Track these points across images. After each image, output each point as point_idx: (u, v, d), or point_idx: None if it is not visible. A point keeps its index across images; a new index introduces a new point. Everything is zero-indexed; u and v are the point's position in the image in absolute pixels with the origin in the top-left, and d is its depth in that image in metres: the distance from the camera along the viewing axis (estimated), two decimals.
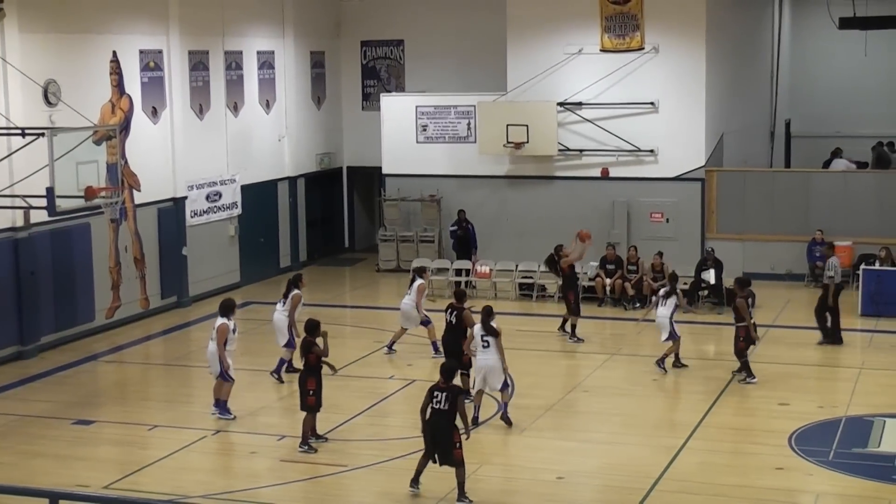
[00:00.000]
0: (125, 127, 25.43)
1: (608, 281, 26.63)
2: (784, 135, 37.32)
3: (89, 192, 20.47)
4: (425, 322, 22.19)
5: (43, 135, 20.20)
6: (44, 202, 19.94)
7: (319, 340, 17.36)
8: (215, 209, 28.38)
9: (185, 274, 27.27)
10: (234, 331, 18.81)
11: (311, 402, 17.11)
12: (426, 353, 22.02)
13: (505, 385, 18.20)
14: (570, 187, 29.65)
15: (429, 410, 15.30)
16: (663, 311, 21.07)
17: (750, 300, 20.70)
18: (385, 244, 31.31)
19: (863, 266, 26.14)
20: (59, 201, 19.89)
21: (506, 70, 29.75)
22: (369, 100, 33.71)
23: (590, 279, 26.83)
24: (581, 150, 29.42)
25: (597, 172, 29.42)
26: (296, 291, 20.90)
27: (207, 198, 28.06)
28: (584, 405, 19.74)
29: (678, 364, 21.27)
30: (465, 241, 29.38)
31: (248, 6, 30.01)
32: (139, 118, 25.99)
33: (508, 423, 18.18)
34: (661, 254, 26.67)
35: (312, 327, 17.64)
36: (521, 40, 29.59)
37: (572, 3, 29.18)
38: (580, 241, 24.16)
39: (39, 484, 15.35)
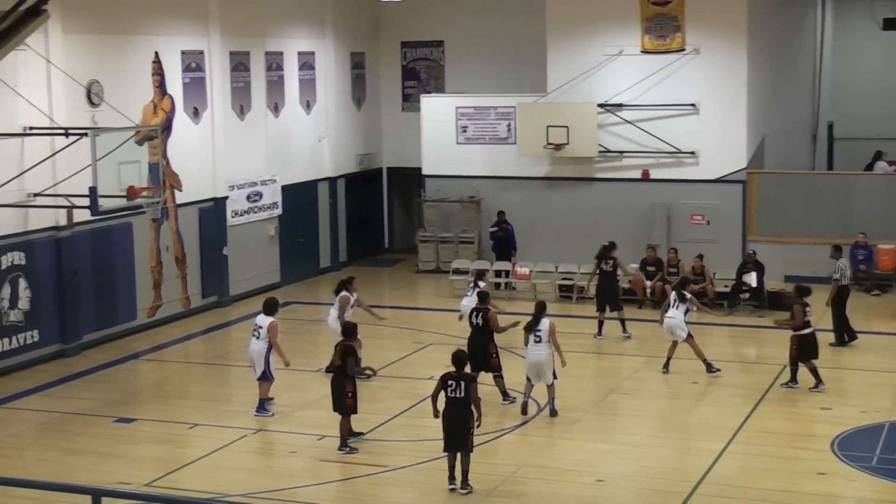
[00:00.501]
0: (167, 127, 25.56)
1: (648, 283, 26.51)
2: (826, 137, 37.02)
3: (131, 192, 20.65)
4: None
5: (86, 135, 20.41)
6: (86, 202, 20.14)
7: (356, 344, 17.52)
8: (256, 209, 28.48)
9: (225, 274, 27.39)
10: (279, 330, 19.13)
11: (349, 403, 17.13)
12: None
13: (554, 377, 18.68)
14: (610, 189, 29.56)
15: (442, 398, 15.56)
16: (675, 312, 20.89)
17: (807, 309, 20.12)
18: (424, 245, 31.32)
19: None
20: (101, 201, 20.09)
21: (546, 71, 29.70)
22: (409, 101, 33.73)
23: (629, 281, 26.72)
24: (621, 152, 29.33)
25: (637, 174, 29.32)
26: (343, 293, 20.90)
27: (248, 198, 28.17)
28: (623, 408, 19.66)
29: (666, 370, 21.01)
30: (504, 243, 29.33)
31: (288, 7, 30.10)
32: (181, 119, 26.13)
33: (555, 413, 18.61)
34: (701, 256, 26.53)
35: (350, 330, 17.68)
36: (562, 41, 29.52)
37: (613, 4, 29.09)
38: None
39: (80, 481, 15.47)
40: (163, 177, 24.79)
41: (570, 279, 27.69)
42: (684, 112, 28.71)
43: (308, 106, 30.87)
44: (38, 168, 21.66)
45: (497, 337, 19.56)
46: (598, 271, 24.22)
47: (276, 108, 29.50)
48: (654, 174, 29.15)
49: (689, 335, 20.89)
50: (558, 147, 28.95)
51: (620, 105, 29.03)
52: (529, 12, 30.98)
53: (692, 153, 28.74)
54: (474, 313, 19.58)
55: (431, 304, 27.27)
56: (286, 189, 29.56)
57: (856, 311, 25.64)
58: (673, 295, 21.27)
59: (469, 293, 22.28)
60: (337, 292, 21.07)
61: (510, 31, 32.05)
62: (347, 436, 17.20)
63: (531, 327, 18.65)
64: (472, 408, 15.44)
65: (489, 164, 30.86)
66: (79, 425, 18.74)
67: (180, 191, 26.08)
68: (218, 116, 27.12)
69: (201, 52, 26.72)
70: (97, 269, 23.67)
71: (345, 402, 17.10)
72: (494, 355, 19.25)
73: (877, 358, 22.37)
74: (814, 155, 35.49)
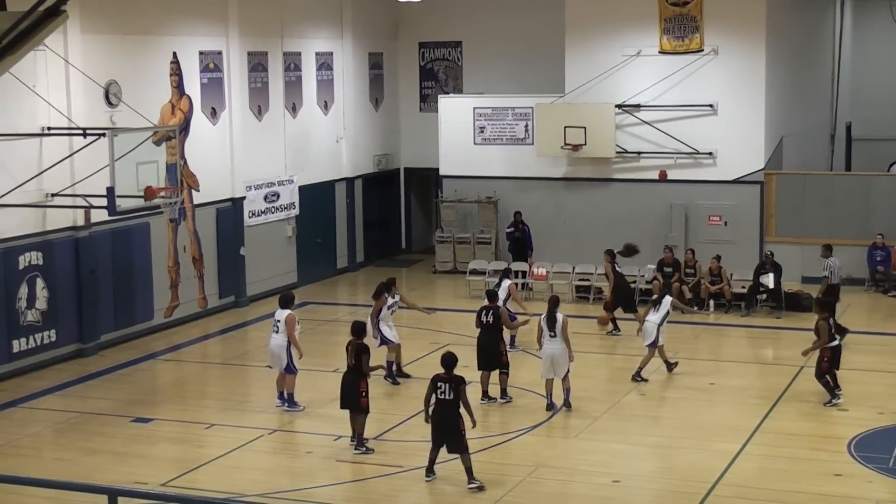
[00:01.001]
0: (185, 127, 25.63)
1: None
2: (845, 138, 36.90)
3: (149, 192, 20.71)
4: (512, 318, 21.99)
5: (104, 135, 20.47)
6: (104, 202, 20.19)
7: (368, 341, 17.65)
8: (273, 210, 28.53)
9: (242, 274, 27.44)
10: (297, 322, 19.27)
11: (364, 403, 17.16)
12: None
13: (567, 372, 18.98)
14: (627, 190, 29.53)
15: (433, 400, 15.79)
16: (653, 317, 20.75)
17: (831, 322, 19.64)
18: (442, 246, 31.33)
19: None
20: (119, 201, 20.15)
21: (564, 72, 29.68)
22: (427, 101, 33.75)
23: (647, 282, 26.69)
24: (639, 153, 29.29)
25: (655, 175, 29.28)
26: (382, 297, 20.81)
27: (265, 198, 28.22)
28: (640, 408, 19.64)
29: (638, 377, 20.68)
30: (521, 243, 29.30)
31: (306, 8, 30.15)
32: (198, 119, 26.19)
33: (569, 406, 18.92)
34: (718, 257, 26.47)
35: (359, 329, 17.69)
36: (580, 42, 29.50)
37: (631, 4, 29.05)
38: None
39: (98, 480, 15.53)
40: (180, 177, 24.82)
41: (587, 280, 27.67)
42: (702, 113, 28.66)
43: (326, 106, 30.91)
44: (57, 168, 21.74)
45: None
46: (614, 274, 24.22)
47: (293, 109, 29.55)
48: (671, 175, 29.10)
49: (655, 343, 20.60)
50: (576, 148, 28.92)
51: (638, 106, 29.00)
52: (548, 13, 30.97)
53: (710, 154, 28.68)
54: (483, 311, 19.73)
55: (449, 305, 27.26)
56: (304, 189, 29.60)
57: (874, 313, 25.65)
58: (654, 298, 21.22)
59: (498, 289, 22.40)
60: (376, 296, 20.91)
61: (528, 31, 32.03)
62: (363, 436, 17.26)
63: (549, 322, 18.86)
64: (463, 410, 15.71)
65: (507, 164, 30.86)
66: (96, 425, 18.80)
67: (198, 191, 26.14)
68: (236, 117, 27.17)
69: (219, 53, 26.77)
70: (115, 269, 23.75)
71: (359, 401, 17.13)
72: (504, 353, 19.58)
73: (894, 360, 22.27)
74: (832, 155, 35.38)
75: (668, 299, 20.97)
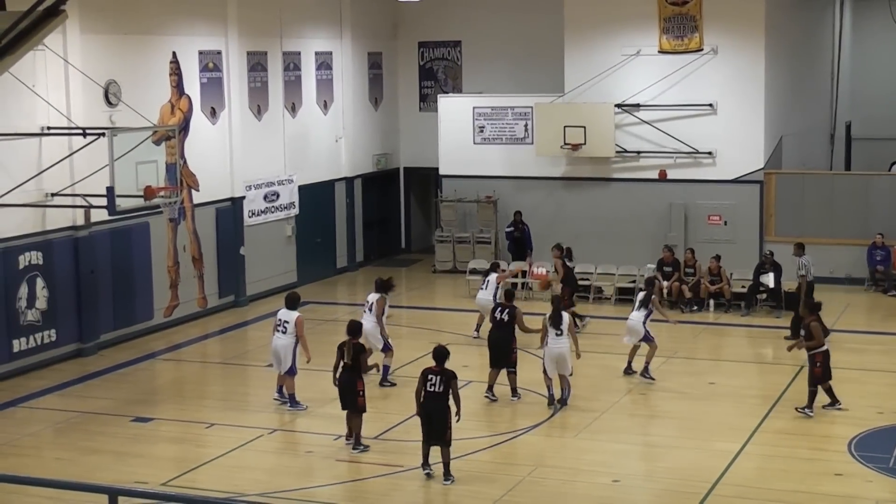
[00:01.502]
0: (184, 127, 25.62)
1: (665, 283, 26.45)
2: (845, 137, 36.89)
3: (148, 192, 20.72)
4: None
5: (103, 135, 20.47)
6: (104, 201, 20.21)
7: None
8: (273, 209, 28.53)
9: (242, 273, 27.44)
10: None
11: (361, 402, 17.17)
12: (484, 354, 21.70)
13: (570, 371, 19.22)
14: (627, 189, 29.52)
15: (423, 393, 15.93)
16: (636, 314, 20.72)
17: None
18: (441, 245, 31.33)
19: None
20: (118, 201, 20.16)
21: (563, 71, 29.67)
22: (426, 101, 33.75)
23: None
24: (638, 152, 29.29)
25: (654, 174, 29.26)
26: (382, 295, 20.80)
27: (265, 198, 28.22)
28: (640, 408, 19.65)
29: (646, 375, 20.68)
30: (521, 243, 29.31)
31: (305, 7, 30.14)
32: (198, 118, 26.18)
33: (566, 403, 19.05)
34: (718, 257, 26.48)
35: (355, 329, 17.70)
36: (579, 41, 29.49)
37: (630, 4, 29.04)
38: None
39: (98, 480, 15.54)
40: (180, 177, 24.82)
41: (587, 279, 27.65)
42: (702, 112, 28.66)
43: (325, 106, 30.90)
44: (56, 168, 21.74)
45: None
46: None
47: (293, 108, 29.54)
48: (671, 174, 29.09)
49: (648, 338, 20.59)
50: (575, 147, 28.92)
51: (638, 105, 29.00)
52: (547, 12, 30.96)
53: (710, 153, 28.68)
54: (499, 309, 19.80)
55: (448, 304, 27.27)
56: (303, 189, 29.60)
57: (874, 312, 25.66)
58: (640, 296, 21.18)
59: (483, 287, 22.93)
60: (383, 290, 20.96)
61: (528, 31, 32.03)
62: (350, 435, 17.30)
63: (555, 321, 18.92)
64: (452, 402, 15.88)
65: (506, 164, 30.85)
66: (96, 424, 18.80)
67: (197, 191, 26.14)
68: (235, 116, 27.16)
69: (219, 52, 26.77)
70: (114, 268, 23.74)
71: (357, 400, 17.14)
72: (514, 351, 19.62)
73: (894, 359, 22.27)
74: (832, 155, 35.35)
75: (653, 298, 20.90)
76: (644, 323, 20.60)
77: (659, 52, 28.93)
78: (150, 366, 22.77)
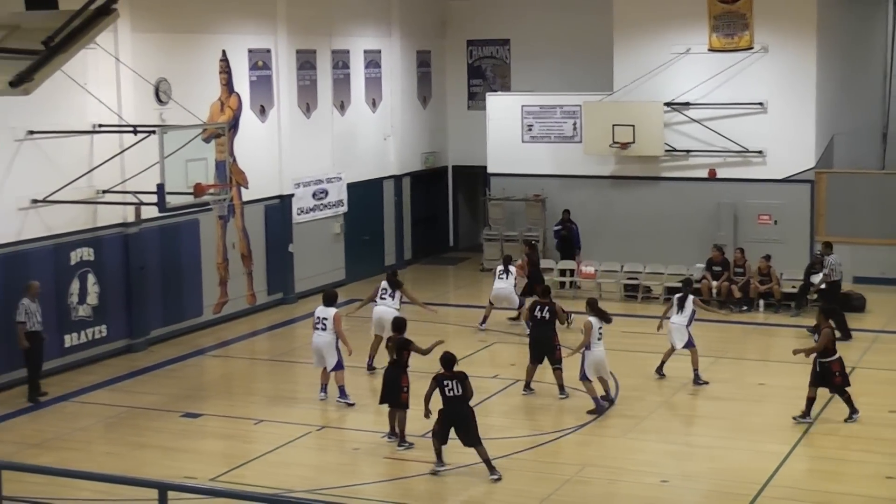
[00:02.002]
0: (234, 125, 25.75)
1: (714, 283, 26.30)
2: None
3: (198, 189, 20.85)
4: (521, 304, 23.33)
5: (154, 132, 20.62)
6: (154, 198, 20.36)
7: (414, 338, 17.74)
8: (321, 207, 28.62)
9: (291, 271, 27.54)
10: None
11: (405, 398, 17.19)
12: (525, 352, 21.56)
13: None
14: (675, 188, 29.37)
15: (433, 398, 16.14)
16: (679, 318, 20.48)
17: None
18: (489, 243, 31.31)
19: None
20: (168, 198, 20.30)
21: (612, 70, 29.56)
22: (475, 99, 33.74)
23: (696, 281, 26.53)
24: (688, 151, 29.13)
25: (703, 173, 29.10)
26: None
27: (314, 195, 28.31)
28: (688, 408, 19.55)
29: (698, 381, 20.38)
30: (568, 241, 29.22)
31: (354, 6, 30.21)
32: (247, 116, 26.30)
33: (613, 402, 19.19)
34: (768, 257, 26.30)
35: (400, 325, 17.80)
36: (628, 40, 29.37)
37: (680, 2, 28.89)
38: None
39: (147, 474, 15.61)
40: (229, 174, 24.97)
41: (636, 279, 27.55)
42: (752, 111, 28.46)
43: (374, 104, 30.96)
44: (107, 165, 21.92)
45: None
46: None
47: (342, 106, 29.61)
48: (720, 173, 28.92)
49: (691, 343, 20.39)
50: (624, 146, 28.81)
51: (687, 104, 28.84)
52: (596, 11, 30.87)
53: (760, 152, 28.48)
54: (538, 307, 19.84)
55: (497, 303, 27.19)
56: (352, 187, 29.67)
57: None
58: (676, 297, 20.90)
59: (503, 276, 23.91)
60: (397, 286, 21.43)
61: (576, 29, 31.94)
62: (393, 432, 17.35)
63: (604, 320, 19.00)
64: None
65: (554, 162, 30.79)
66: (146, 420, 18.93)
67: (247, 188, 26.26)
68: (284, 114, 27.27)
69: (268, 51, 26.88)
70: (164, 265, 23.90)
71: (401, 396, 17.17)
72: (558, 347, 19.63)
73: None
74: (884, 154, 34.94)
75: (691, 298, 20.73)
76: (688, 326, 20.44)
77: (709, 50, 28.76)
78: (199, 362, 22.90)
